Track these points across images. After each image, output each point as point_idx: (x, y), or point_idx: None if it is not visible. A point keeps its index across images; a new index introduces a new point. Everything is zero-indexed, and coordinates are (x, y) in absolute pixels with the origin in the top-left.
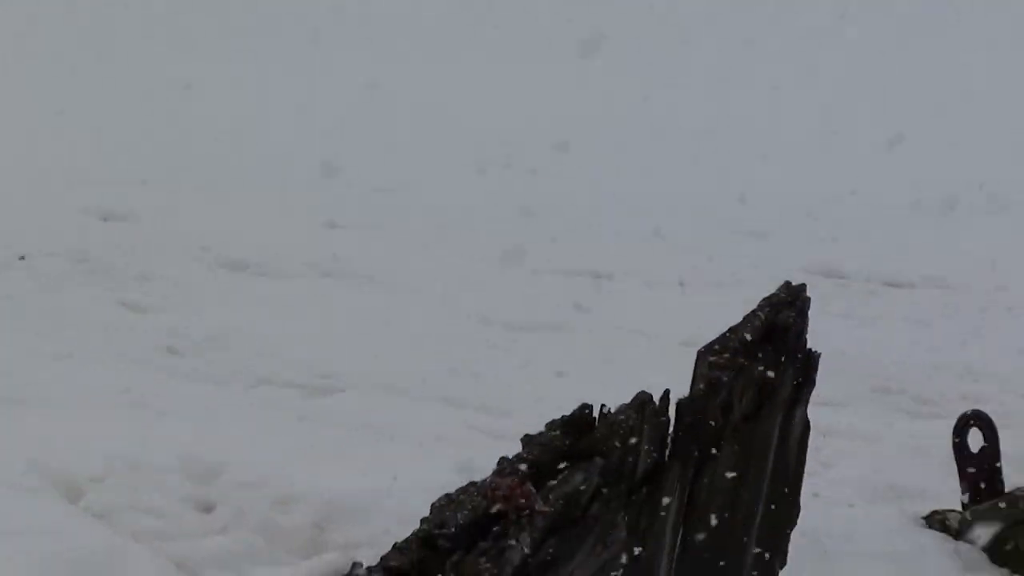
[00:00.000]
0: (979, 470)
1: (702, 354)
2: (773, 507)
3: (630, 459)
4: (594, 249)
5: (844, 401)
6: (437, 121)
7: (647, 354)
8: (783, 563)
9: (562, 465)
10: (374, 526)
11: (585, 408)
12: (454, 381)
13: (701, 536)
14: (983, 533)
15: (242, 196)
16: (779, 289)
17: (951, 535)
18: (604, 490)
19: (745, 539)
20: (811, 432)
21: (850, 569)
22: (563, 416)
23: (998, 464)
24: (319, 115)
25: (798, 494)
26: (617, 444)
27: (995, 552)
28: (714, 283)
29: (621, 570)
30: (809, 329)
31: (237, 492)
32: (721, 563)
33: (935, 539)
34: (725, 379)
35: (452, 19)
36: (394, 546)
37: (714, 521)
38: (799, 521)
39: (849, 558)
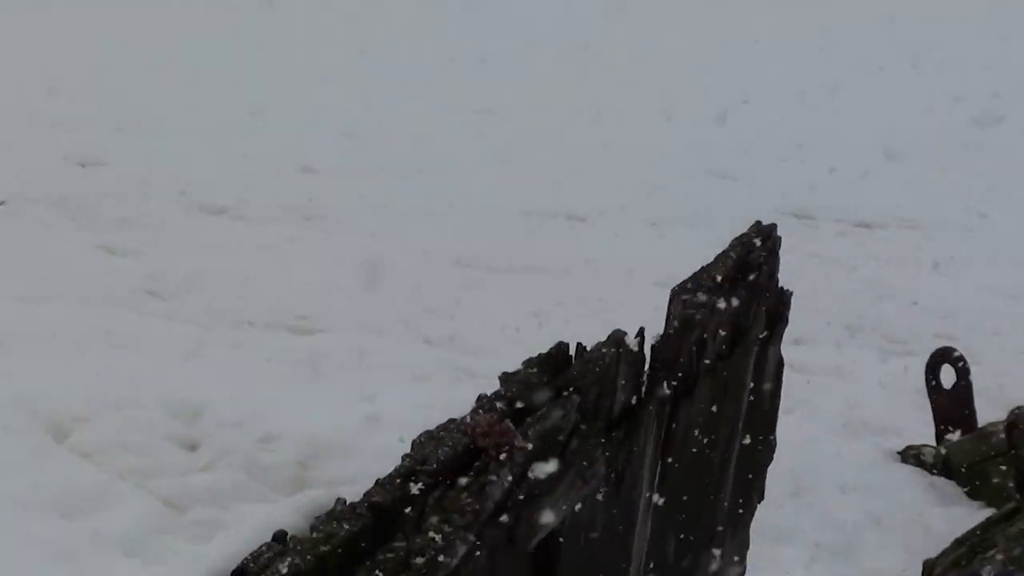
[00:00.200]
0: (952, 406)
1: (676, 293)
2: (749, 443)
3: (607, 396)
4: (569, 192)
5: (817, 339)
6: (413, 68)
7: (622, 294)
8: (760, 498)
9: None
10: (356, 463)
11: (562, 346)
12: (432, 321)
13: (679, 472)
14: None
15: (218, 142)
16: (750, 229)
17: (926, 469)
18: (582, 427)
19: (722, 475)
20: (785, 369)
21: (827, 503)
22: (540, 354)
23: (970, 400)
24: (296, 60)
25: (773, 430)
26: (594, 382)
27: (970, 486)
28: (687, 224)
29: (600, 505)
30: (781, 268)
31: (220, 431)
32: (699, 498)
33: (910, 473)
34: (699, 317)
35: None
36: (376, 482)
37: (691, 457)
38: (775, 457)
39: (826, 493)
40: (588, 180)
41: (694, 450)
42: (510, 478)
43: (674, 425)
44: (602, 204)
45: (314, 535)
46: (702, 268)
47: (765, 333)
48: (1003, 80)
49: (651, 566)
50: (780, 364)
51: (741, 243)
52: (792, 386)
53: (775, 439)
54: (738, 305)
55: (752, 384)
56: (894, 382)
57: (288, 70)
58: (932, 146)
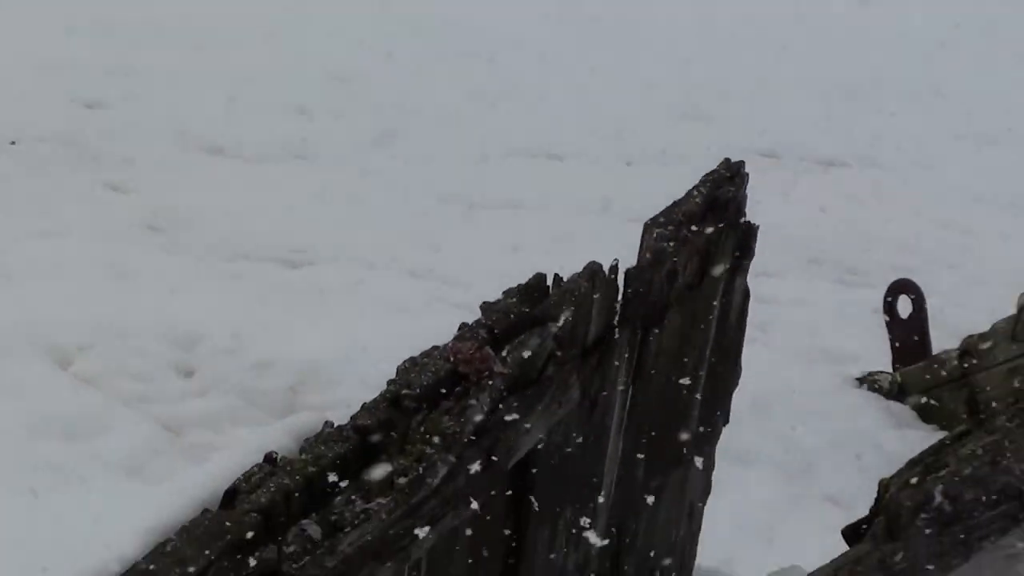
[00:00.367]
0: (908, 335)
1: (648, 226)
2: (716, 369)
3: (582, 325)
4: (548, 132)
5: (781, 272)
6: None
7: (597, 228)
8: (726, 421)
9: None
10: (345, 388)
11: (539, 277)
12: (417, 255)
13: (649, 397)
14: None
15: (218, 84)
16: (719, 166)
17: (883, 395)
18: (558, 353)
19: (690, 399)
20: (751, 300)
21: (789, 427)
22: (519, 285)
23: (926, 329)
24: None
25: (739, 357)
26: (570, 311)
27: (924, 410)
28: (659, 163)
29: (574, 428)
30: (748, 203)
31: (216, 358)
32: (668, 422)
33: (868, 399)
34: (669, 250)
35: None
36: (363, 406)
37: (661, 382)
38: (740, 383)
39: (788, 416)
40: (566, 122)
41: (664, 376)
42: (489, 402)
43: (645, 352)
44: (579, 144)
45: (303, 457)
46: (673, 203)
47: (732, 265)
48: (963, 16)
49: (621, 485)
50: (746, 294)
51: (710, 180)
52: (757, 316)
53: (740, 366)
54: (707, 238)
55: (719, 313)
56: (853, 312)
57: (279, 17)
58: (892, 88)
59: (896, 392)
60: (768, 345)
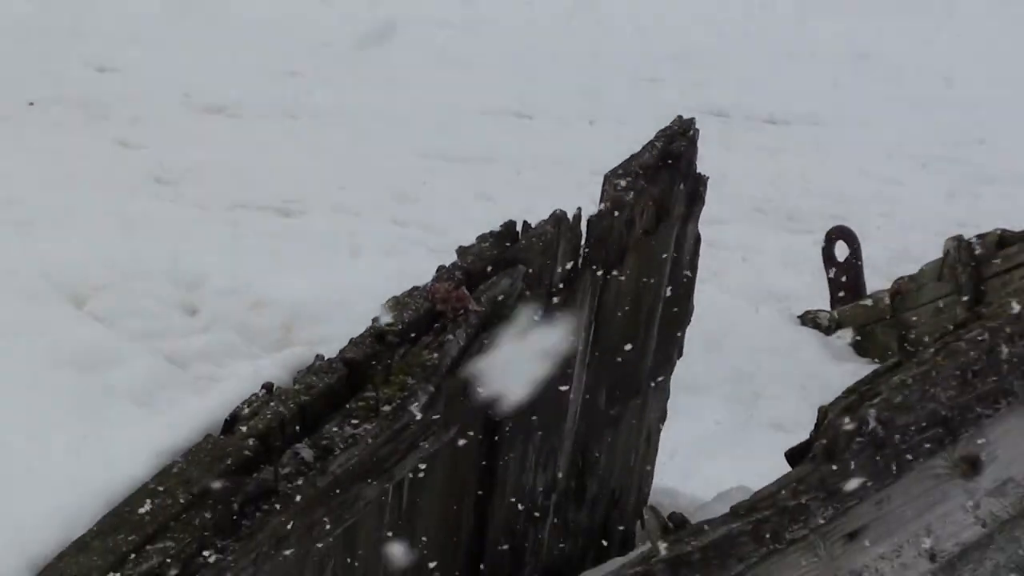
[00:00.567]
0: (844, 276)
1: (608, 178)
2: (670, 307)
3: (549, 267)
4: (519, 94)
5: (729, 219)
6: None
7: (562, 180)
8: (680, 355)
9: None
10: (333, 326)
11: (510, 224)
12: (399, 204)
13: (610, 332)
14: (849, 329)
15: (218, 49)
16: (673, 123)
17: (822, 331)
18: (527, 293)
19: (646, 335)
20: (702, 244)
21: (737, 360)
22: (492, 231)
23: (860, 271)
24: None
25: (691, 296)
26: (538, 254)
27: (859, 345)
28: (619, 121)
29: None
30: (698, 157)
31: (217, 298)
32: (627, 355)
33: (808, 335)
34: (628, 199)
35: None
36: (350, 341)
37: (620, 319)
38: (692, 320)
39: (736, 350)
40: (536, 84)
41: (623, 313)
42: (465, 337)
43: (606, 292)
44: (547, 104)
45: (296, 387)
46: (631, 156)
47: (684, 212)
48: None
49: (585, 413)
50: (697, 240)
51: (665, 135)
52: (707, 259)
53: (692, 304)
54: (662, 188)
55: (673, 256)
56: (795, 256)
57: None
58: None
59: (834, 328)
60: (718, 286)
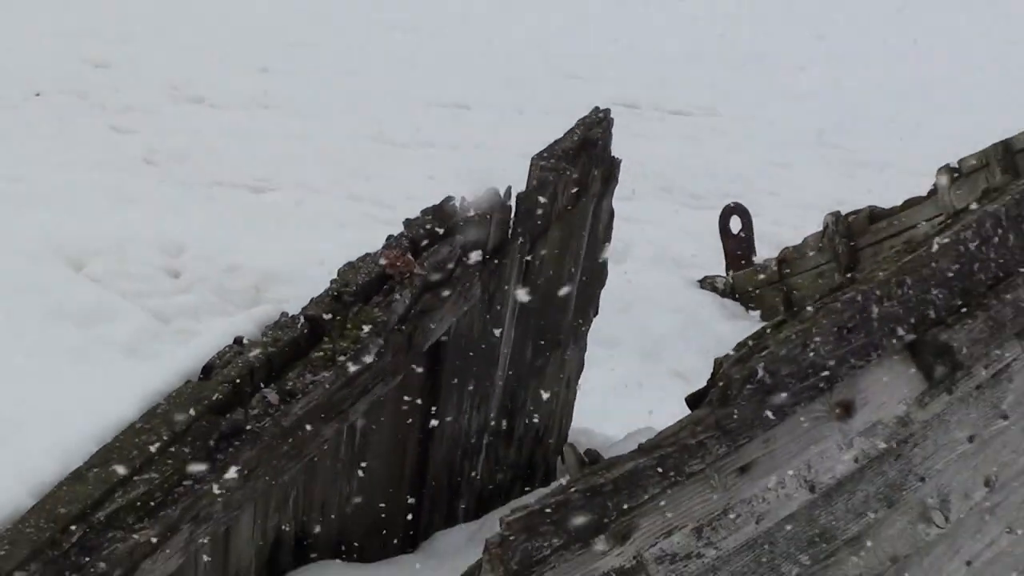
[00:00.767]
0: (738, 246)
1: (534, 160)
2: (588, 272)
3: (483, 236)
4: (459, 87)
5: (639, 197)
6: None
7: (495, 162)
8: (595, 313)
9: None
10: (297, 287)
11: (450, 199)
12: (355, 183)
13: (535, 293)
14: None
15: (200, 48)
16: (591, 113)
17: (719, 293)
18: (464, 259)
19: (567, 295)
20: (615, 218)
21: (644, 318)
22: (433, 206)
23: (752, 242)
24: None
25: (606, 263)
26: (473, 225)
27: (750, 305)
28: (544, 111)
29: (476, 318)
30: (612, 142)
31: (197, 263)
32: (550, 313)
33: (707, 296)
34: (551, 178)
35: None
36: (311, 300)
37: (544, 282)
38: (607, 283)
39: (645, 310)
40: (473, 79)
41: (547, 277)
42: (410, 297)
43: (532, 259)
44: (481, 97)
45: (264, 339)
46: (554, 141)
47: (600, 190)
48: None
49: (513, 363)
50: (611, 214)
51: (584, 124)
52: (620, 231)
53: (607, 270)
54: (581, 169)
55: (590, 229)
56: (696, 229)
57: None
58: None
59: (729, 291)
60: (630, 255)
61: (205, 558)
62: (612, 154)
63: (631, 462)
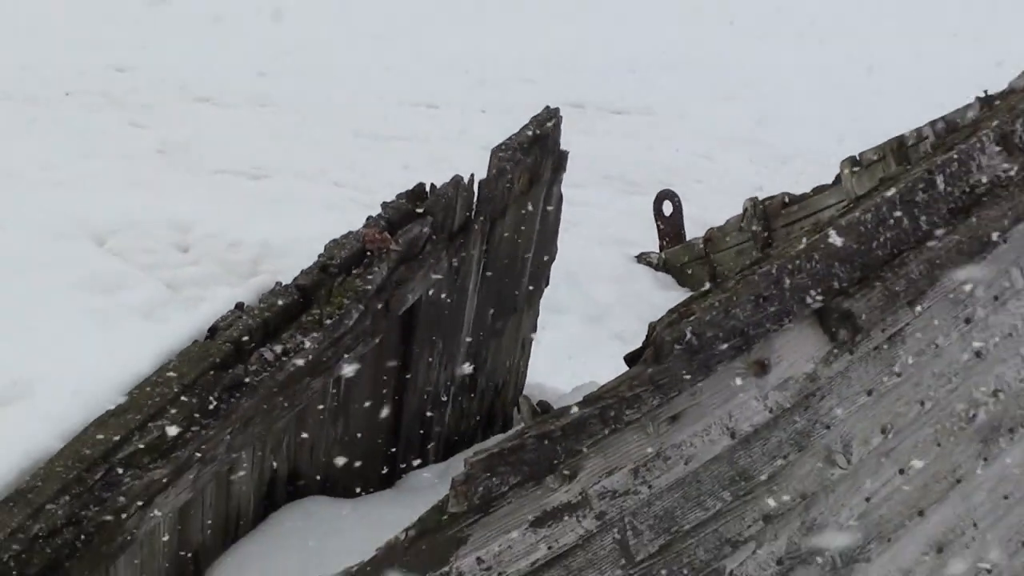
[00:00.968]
0: (669, 227)
1: (494, 151)
2: (540, 249)
3: (450, 217)
4: (429, 89)
5: (584, 184)
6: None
7: (460, 153)
8: (546, 284)
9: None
10: (290, 260)
11: (421, 185)
12: (339, 171)
13: (494, 269)
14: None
15: (208, 55)
16: (542, 111)
17: (653, 268)
18: (434, 237)
19: (522, 268)
20: (564, 202)
21: (589, 288)
22: (408, 190)
23: (681, 223)
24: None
25: (555, 240)
26: (441, 208)
27: (680, 277)
28: (504, 111)
29: (444, 288)
30: (562, 136)
31: (204, 239)
32: (507, 286)
33: (643, 270)
34: (508, 167)
35: None
36: (302, 272)
37: (503, 257)
38: (556, 258)
39: (589, 281)
40: (441, 82)
41: (505, 252)
42: (387, 270)
43: (492, 236)
44: (450, 96)
45: (261, 305)
46: (511, 136)
47: (551, 178)
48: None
49: (476, 326)
50: (560, 198)
51: (537, 120)
52: (569, 214)
53: (557, 246)
54: (534, 159)
55: (542, 211)
56: (633, 212)
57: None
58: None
59: (661, 266)
60: (576, 234)
61: (210, 494)
62: (561, 147)
63: (577, 412)
